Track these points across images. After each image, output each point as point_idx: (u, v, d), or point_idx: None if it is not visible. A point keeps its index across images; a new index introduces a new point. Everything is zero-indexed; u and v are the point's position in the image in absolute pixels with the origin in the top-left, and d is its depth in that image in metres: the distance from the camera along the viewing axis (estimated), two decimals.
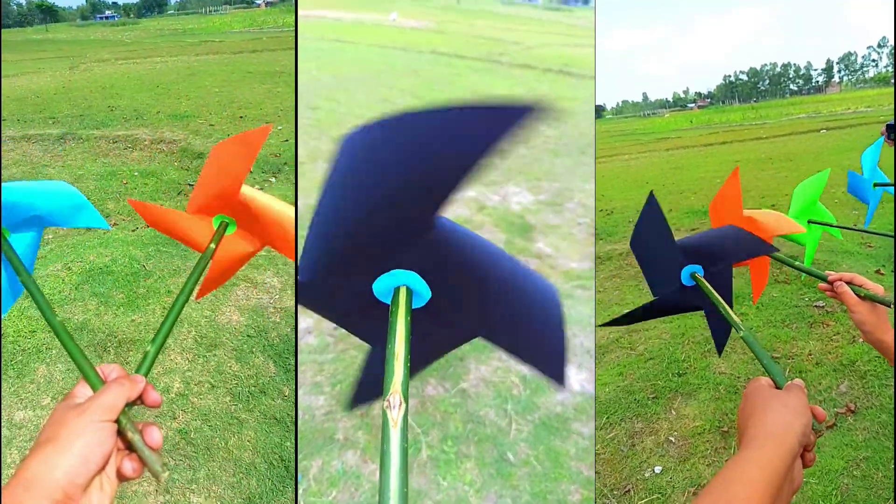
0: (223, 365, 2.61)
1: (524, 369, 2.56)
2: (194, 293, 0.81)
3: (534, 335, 0.68)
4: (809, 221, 1.59)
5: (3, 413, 2.54)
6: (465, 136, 0.47)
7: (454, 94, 9.43)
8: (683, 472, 2.41)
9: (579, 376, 2.55)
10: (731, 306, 1.15)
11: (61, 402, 0.56)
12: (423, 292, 0.58)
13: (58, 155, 5.97)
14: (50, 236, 4.20)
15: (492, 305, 0.64)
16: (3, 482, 0.43)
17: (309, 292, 0.62)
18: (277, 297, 3.13)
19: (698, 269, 1.05)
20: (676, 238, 1.08)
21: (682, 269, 1.05)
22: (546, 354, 0.69)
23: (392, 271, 0.57)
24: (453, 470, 2.09)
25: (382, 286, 0.58)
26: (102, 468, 0.54)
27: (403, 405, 0.42)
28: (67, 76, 11.78)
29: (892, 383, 2.73)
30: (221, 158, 0.90)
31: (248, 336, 2.74)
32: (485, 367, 2.58)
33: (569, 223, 4.24)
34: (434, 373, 2.55)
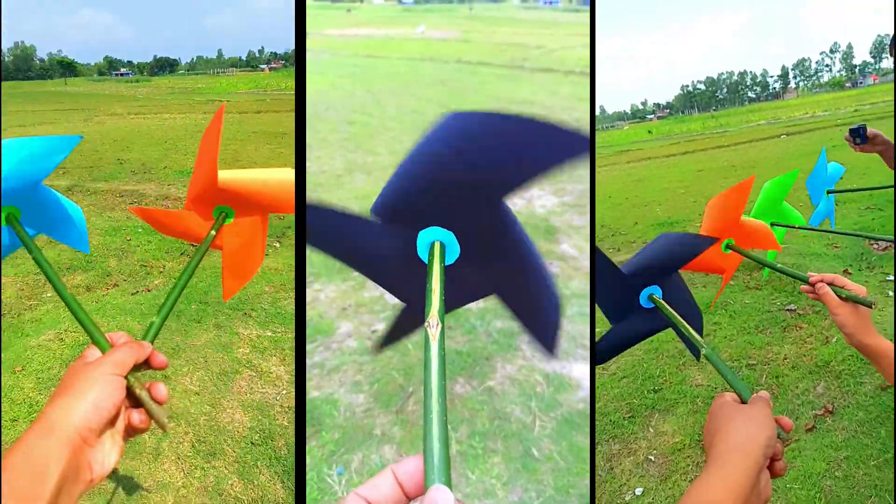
0: (223, 481, 2.28)
1: (547, 368, 2.60)
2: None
3: (538, 305, 0.76)
4: (772, 224, 1.65)
5: (1, 413, 2.43)
6: (534, 150, 0.58)
7: (480, 102, 9.50)
8: (665, 490, 2.30)
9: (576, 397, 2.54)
10: (700, 317, 1.18)
11: (75, 362, 0.61)
12: (454, 249, 0.67)
13: None
14: (48, 294, 3.71)
15: (510, 274, 0.73)
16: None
17: (362, 237, 0.69)
18: (285, 391, 2.83)
19: (656, 290, 1.00)
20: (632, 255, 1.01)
21: (640, 293, 1.00)
22: (544, 325, 0.78)
23: (432, 227, 0.66)
24: (481, 464, 2.14)
25: (423, 240, 0.67)
26: (114, 418, 0.57)
27: (440, 325, 0.52)
28: (81, 128, 11.87)
29: (867, 381, 2.79)
30: (200, 149, 0.87)
31: (251, 443, 2.48)
32: (510, 365, 2.65)
33: None
34: (462, 372, 2.59)
